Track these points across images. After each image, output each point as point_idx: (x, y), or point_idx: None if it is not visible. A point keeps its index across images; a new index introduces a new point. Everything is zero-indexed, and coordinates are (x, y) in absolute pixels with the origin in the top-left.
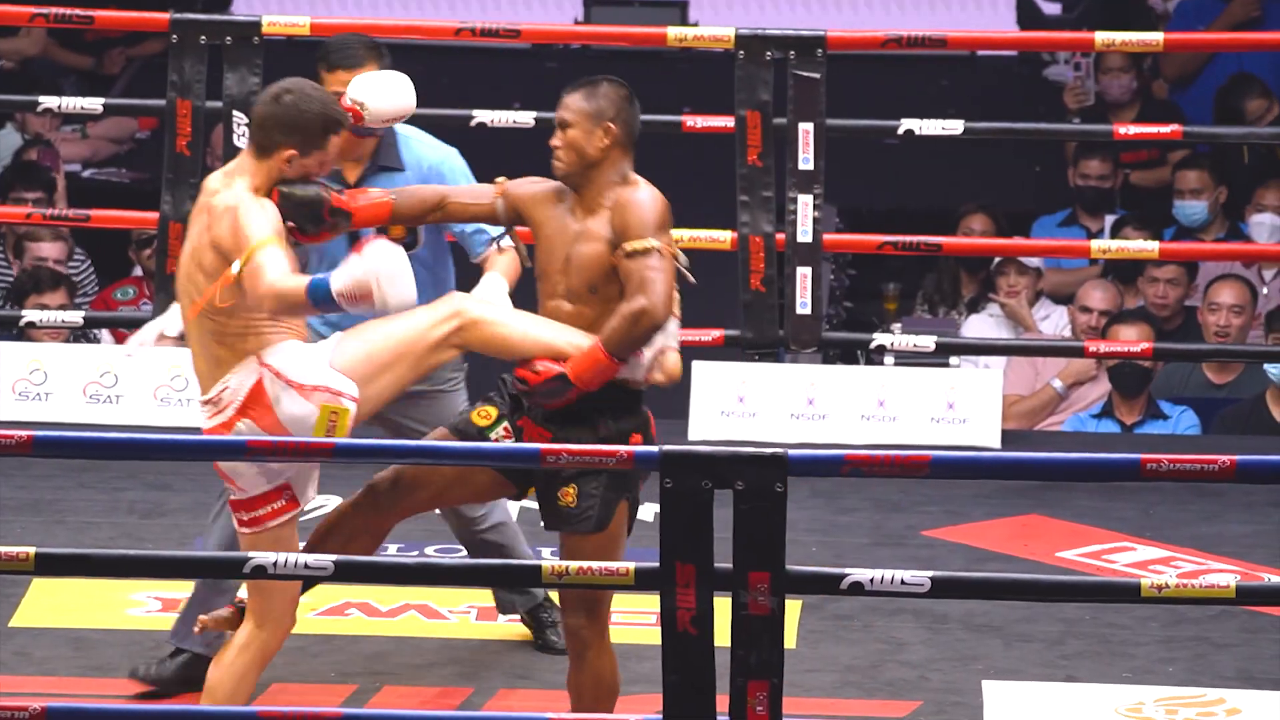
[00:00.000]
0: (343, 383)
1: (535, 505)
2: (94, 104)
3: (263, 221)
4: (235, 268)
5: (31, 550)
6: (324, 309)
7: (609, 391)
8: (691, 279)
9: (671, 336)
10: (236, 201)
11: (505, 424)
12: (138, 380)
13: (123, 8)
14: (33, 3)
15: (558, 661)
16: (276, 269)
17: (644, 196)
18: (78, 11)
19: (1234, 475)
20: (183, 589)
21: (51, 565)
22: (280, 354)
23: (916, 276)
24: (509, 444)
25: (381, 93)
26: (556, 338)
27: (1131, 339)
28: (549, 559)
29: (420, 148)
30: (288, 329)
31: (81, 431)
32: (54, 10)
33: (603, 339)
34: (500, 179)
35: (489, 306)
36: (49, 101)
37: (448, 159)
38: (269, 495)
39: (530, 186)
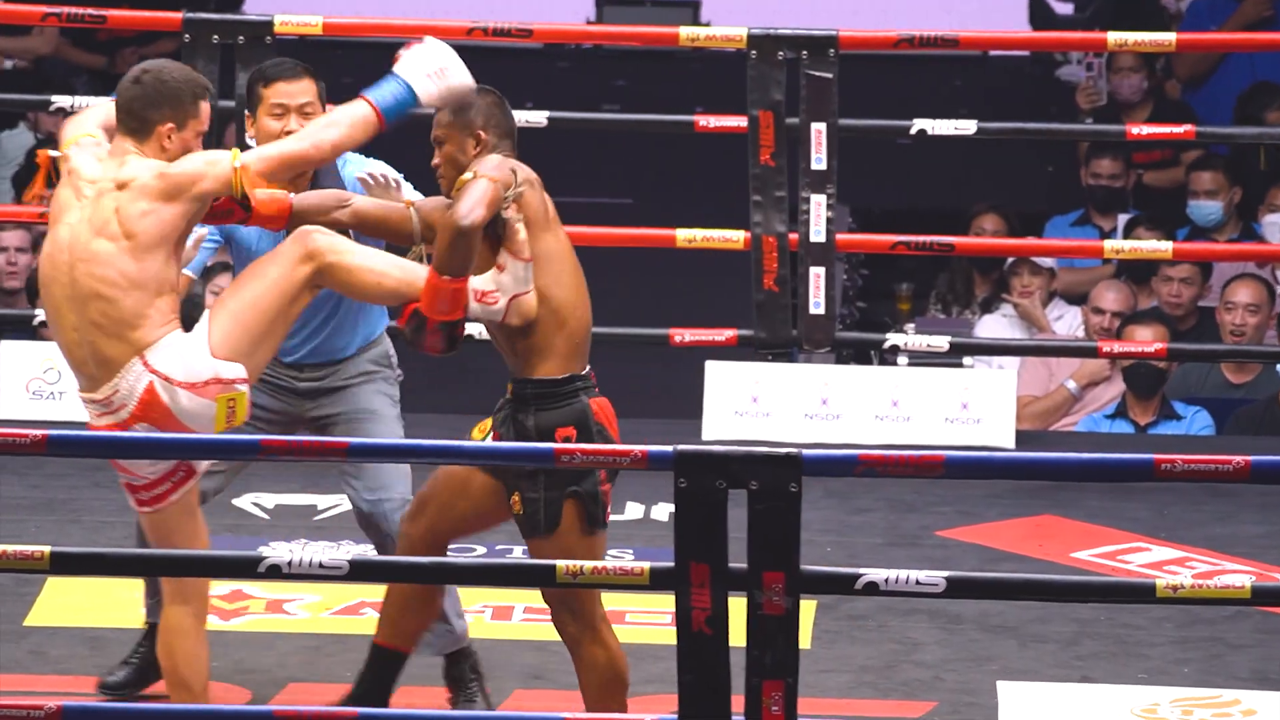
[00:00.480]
0: (230, 369)
1: None
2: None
3: (213, 153)
4: (239, 160)
5: (46, 549)
6: (393, 113)
7: (535, 385)
8: (522, 192)
9: (524, 281)
10: (158, 167)
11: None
12: None
13: (135, 7)
14: (45, 2)
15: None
16: (291, 140)
17: (484, 158)
18: (90, 11)
19: (1248, 476)
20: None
21: (66, 564)
22: (164, 354)
23: (929, 276)
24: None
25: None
26: (407, 277)
27: (1146, 339)
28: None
29: (353, 163)
30: (167, 317)
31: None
32: (66, 10)
33: (432, 261)
34: (409, 200)
35: (338, 245)
36: (62, 101)
37: (362, 160)
38: (168, 473)
39: (438, 203)
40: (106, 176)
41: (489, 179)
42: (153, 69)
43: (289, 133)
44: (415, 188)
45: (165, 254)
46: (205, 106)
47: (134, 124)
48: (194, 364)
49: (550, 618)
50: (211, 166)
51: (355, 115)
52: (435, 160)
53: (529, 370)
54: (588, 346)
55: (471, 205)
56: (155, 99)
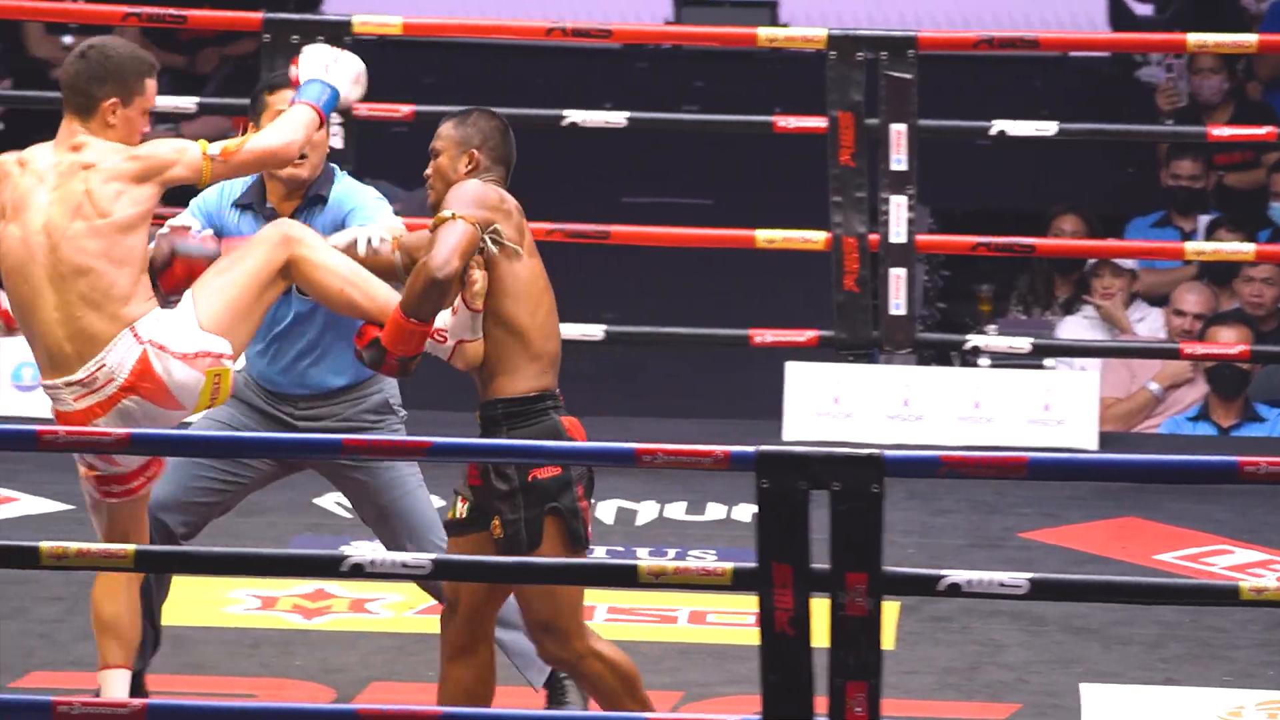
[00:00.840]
0: (218, 343)
1: None
2: (187, 103)
3: (182, 141)
4: (213, 146)
5: (131, 548)
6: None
7: (504, 404)
8: (511, 249)
9: (473, 330)
10: (126, 150)
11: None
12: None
13: (215, 7)
14: (126, 2)
15: (657, 662)
16: (261, 137)
17: (464, 184)
18: (171, 11)
19: None
20: (281, 587)
21: (151, 563)
22: (155, 325)
23: (1010, 277)
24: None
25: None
26: (373, 295)
27: (1229, 341)
28: (645, 559)
29: (345, 189)
30: (149, 294)
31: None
32: (147, 10)
33: (401, 301)
34: (396, 237)
35: (313, 240)
36: None
37: (365, 206)
38: (145, 465)
39: (423, 239)
40: (65, 160)
41: (466, 221)
42: (97, 45)
43: None
44: (583, 170)
45: (142, 233)
46: (151, 84)
47: (79, 100)
48: (185, 335)
49: (546, 651)
50: (182, 154)
51: (307, 118)
52: (428, 171)
53: (496, 391)
54: (557, 367)
55: (447, 255)
56: (100, 74)
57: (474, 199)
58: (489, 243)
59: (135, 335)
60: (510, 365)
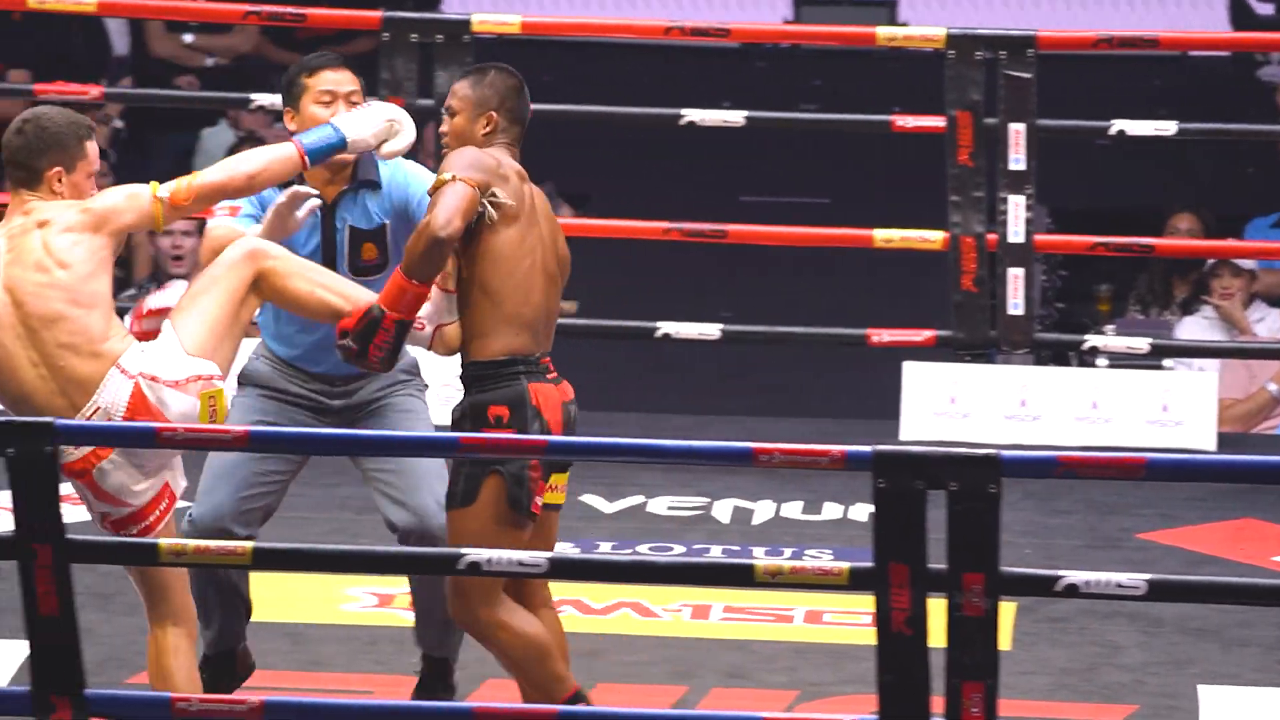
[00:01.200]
0: (206, 366)
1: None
2: None
3: (133, 187)
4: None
5: (249, 545)
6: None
7: (474, 367)
8: (509, 207)
9: (448, 312)
10: (78, 204)
11: None
12: None
13: (335, 6)
14: (246, 0)
15: (773, 661)
16: (209, 173)
17: (462, 150)
18: (290, 9)
19: None
20: (398, 584)
21: (268, 560)
22: (141, 357)
23: (1128, 277)
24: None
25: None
26: (343, 296)
27: None
28: (761, 558)
29: (396, 170)
30: (125, 332)
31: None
32: (267, 8)
33: (402, 262)
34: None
35: (276, 251)
36: (262, 99)
37: (421, 186)
38: (156, 499)
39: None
40: (18, 223)
41: (466, 183)
42: (32, 118)
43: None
44: (701, 170)
45: (106, 279)
46: (91, 146)
47: (23, 174)
48: (173, 362)
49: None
50: (132, 201)
51: (276, 153)
52: (443, 128)
53: (470, 354)
54: (539, 331)
55: (449, 215)
56: (39, 147)
57: (471, 162)
58: (487, 206)
59: (123, 371)
60: (482, 328)
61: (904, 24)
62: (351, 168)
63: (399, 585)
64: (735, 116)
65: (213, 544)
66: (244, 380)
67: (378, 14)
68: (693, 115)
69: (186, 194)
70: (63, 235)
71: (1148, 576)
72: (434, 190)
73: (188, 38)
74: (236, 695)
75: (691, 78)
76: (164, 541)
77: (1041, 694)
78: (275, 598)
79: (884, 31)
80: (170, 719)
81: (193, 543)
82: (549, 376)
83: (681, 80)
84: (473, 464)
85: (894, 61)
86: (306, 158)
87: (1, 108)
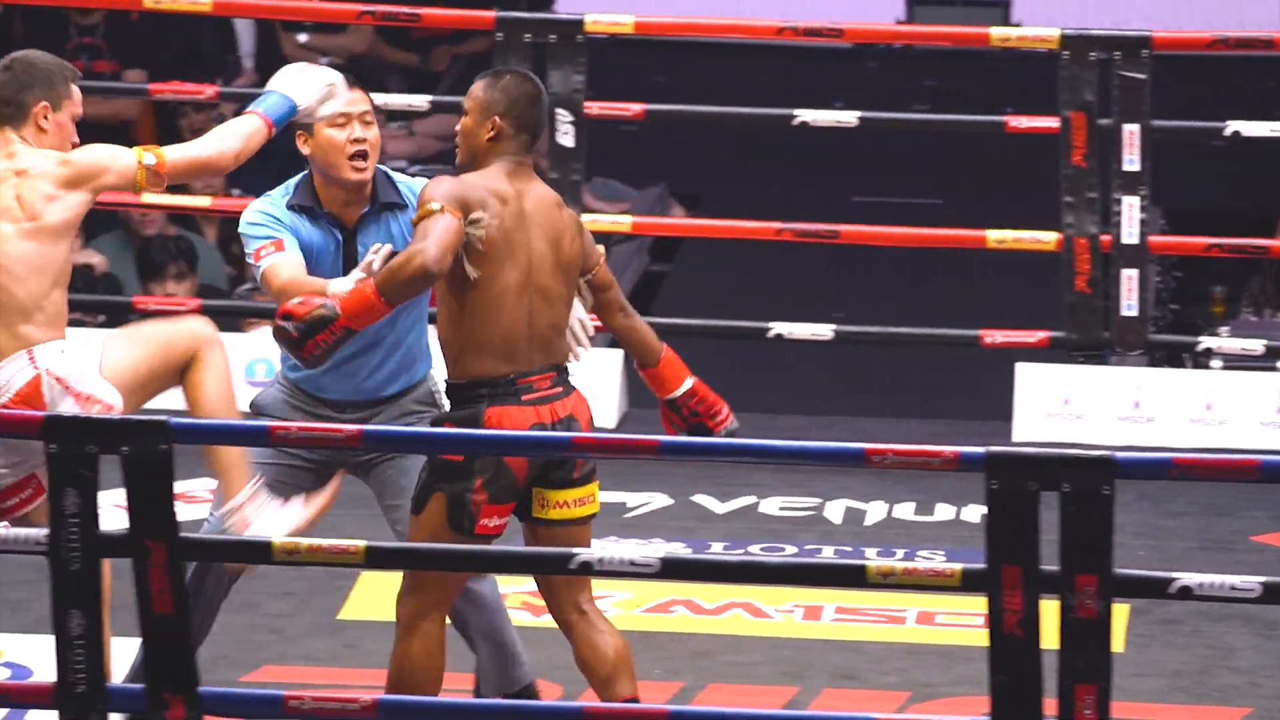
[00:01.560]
0: (112, 394)
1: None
2: (420, 101)
3: (117, 148)
4: (148, 159)
5: (362, 544)
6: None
7: (447, 387)
8: (481, 236)
9: None
10: (58, 155)
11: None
12: None
13: (449, 6)
14: (361, 0)
15: (884, 662)
16: (198, 144)
17: (443, 179)
18: (404, 9)
19: None
20: (511, 584)
21: (381, 559)
22: (55, 355)
23: (1242, 278)
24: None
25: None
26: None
27: None
28: (873, 559)
29: (411, 187)
30: (56, 322)
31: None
32: (381, 8)
33: (376, 278)
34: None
35: (219, 358)
36: (375, 98)
37: None
38: (19, 485)
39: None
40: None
41: (452, 215)
42: (20, 56)
43: (354, 141)
44: (813, 170)
45: (67, 242)
46: (76, 90)
47: (9, 109)
48: (86, 375)
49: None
50: (115, 160)
51: (249, 126)
52: (458, 126)
53: (447, 372)
54: (518, 349)
55: (441, 250)
56: (27, 81)
57: (450, 192)
58: (470, 237)
59: (31, 359)
60: (450, 349)
61: (1017, 24)
62: (370, 188)
63: (512, 585)
64: (848, 117)
65: (325, 543)
66: (254, 409)
67: (491, 14)
68: (805, 115)
69: (172, 165)
70: (39, 188)
71: (1262, 579)
72: (419, 220)
73: (302, 38)
74: (348, 694)
75: (804, 78)
76: (277, 540)
77: (1155, 696)
78: (389, 597)
79: (998, 32)
80: (282, 716)
81: (306, 541)
82: (527, 397)
83: (793, 80)
84: (428, 475)
85: (1007, 62)
86: (273, 127)
87: (117, 107)
